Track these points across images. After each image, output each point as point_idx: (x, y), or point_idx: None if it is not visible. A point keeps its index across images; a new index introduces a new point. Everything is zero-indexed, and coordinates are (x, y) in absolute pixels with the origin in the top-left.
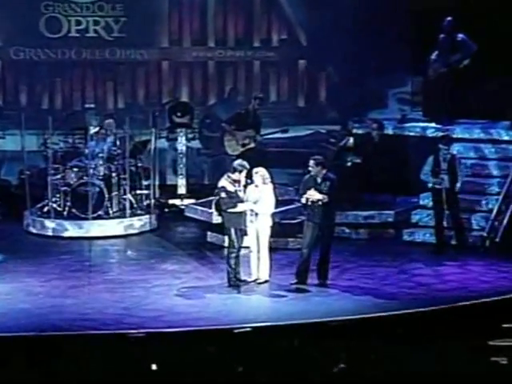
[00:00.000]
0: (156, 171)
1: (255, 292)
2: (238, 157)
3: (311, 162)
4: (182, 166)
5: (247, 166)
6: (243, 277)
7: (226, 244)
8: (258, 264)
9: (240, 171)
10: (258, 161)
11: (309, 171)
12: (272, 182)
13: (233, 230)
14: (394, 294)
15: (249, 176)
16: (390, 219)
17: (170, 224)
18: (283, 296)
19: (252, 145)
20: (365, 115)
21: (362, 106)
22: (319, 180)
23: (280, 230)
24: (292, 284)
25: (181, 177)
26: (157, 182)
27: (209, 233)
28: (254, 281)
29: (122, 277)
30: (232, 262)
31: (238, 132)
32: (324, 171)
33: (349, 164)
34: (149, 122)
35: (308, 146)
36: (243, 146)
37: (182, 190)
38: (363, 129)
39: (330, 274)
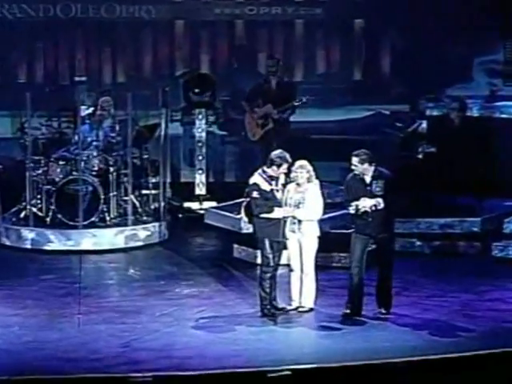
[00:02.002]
0: (167, 165)
1: (297, 324)
2: (261, 143)
3: (354, 160)
4: (200, 158)
5: (288, 159)
6: (281, 304)
7: (259, 261)
8: (301, 287)
9: (279, 165)
10: (291, 150)
11: (351, 170)
12: (318, 179)
13: (267, 243)
14: (480, 327)
15: (289, 171)
16: (475, 229)
17: (186, 234)
18: (333, 329)
19: (270, 125)
20: (442, 92)
21: (438, 79)
22: (368, 180)
23: (330, 243)
24: (344, 314)
25: (199, 172)
26: (168, 180)
27: (236, 246)
28: (296, 309)
29: (123, 303)
30: (266, 284)
31: (257, 109)
32: (372, 167)
33: (420, 156)
34: (157, 100)
35: (366, 132)
36: (262, 126)
37: (200, 190)
38: (439, 109)
39: (393, 300)
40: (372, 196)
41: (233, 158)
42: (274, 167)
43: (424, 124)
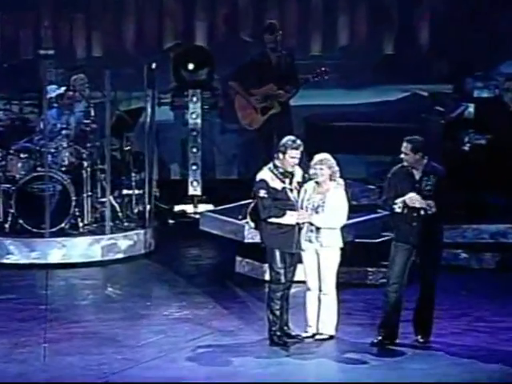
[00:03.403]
0: (154, 159)
1: (314, 355)
2: (262, 132)
3: (405, 146)
4: (195, 150)
5: (299, 145)
6: (294, 330)
7: (267, 277)
8: (319, 310)
9: (283, 151)
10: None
11: (400, 161)
12: (342, 177)
13: (278, 255)
14: None
15: (305, 167)
16: None
17: (177, 244)
18: (359, 361)
19: (276, 109)
20: (493, 68)
21: (488, 53)
22: (417, 175)
23: (355, 255)
24: (374, 343)
25: (194, 168)
26: (155, 177)
27: (238, 258)
28: (313, 336)
29: (100, 329)
30: (276, 306)
31: (254, 91)
32: (425, 161)
33: (466, 147)
34: (142, 79)
35: (400, 119)
36: (263, 112)
37: (195, 190)
38: (490, 91)
39: (434, 326)
40: (421, 195)
41: (235, 150)
42: (281, 155)
43: (471, 108)
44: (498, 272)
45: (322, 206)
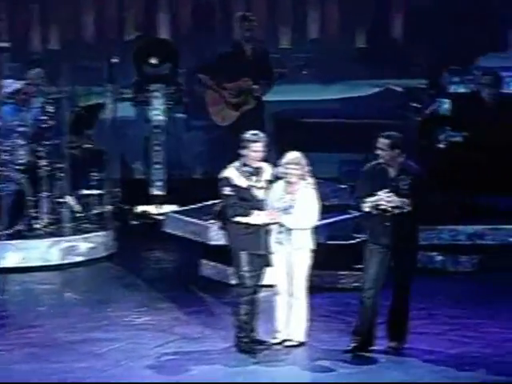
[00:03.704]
0: (115, 157)
1: (283, 362)
2: (234, 128)
3: (382, 142)
4: (158, 148)
5: (262, 138)
6: (263, 336)
7: (234, 281)
8: (289, 315)
9: (245, 147)
10: (277, 138)
11: (376, 157)
12: (313, 176)
13: (244, 257)
14: None
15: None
16: None
17: (139, 247)
18: (332, 369)
19: (250, 104)
20: (470, 63)
21: (465, 46)
22: (393, 173)
23: (326, 258)
24: (348, 349)
25: (157, 167)
26: (116, 176)
27: (204, 261)
28: (282, 343)
29: (58, 336)
30: (243, 311)
31: (227, 85)
32: (401, 158)
33: (442, 145)
34: (102, 73)
35: (373, 115)
36: (236, 107)
37: (158, 190)
38: (467, 85)
39: (408, 332)
40: (397, 195)
41: (201, 148)
42: (243, 150)
43: (447, 104)
44: (475, 275)
45: (292, 207)
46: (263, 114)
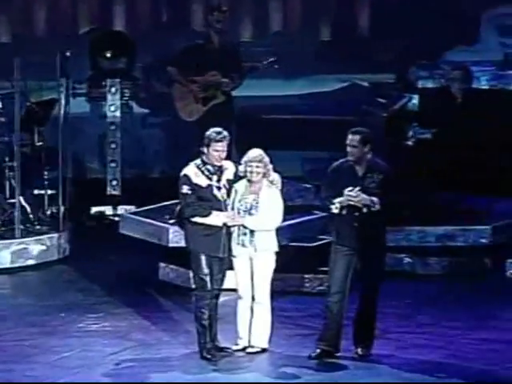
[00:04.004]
0: (68, 155)
1: (245, 369)
2: (201, 124)
3: (351, 138)
4: (114, 146)
5: (226, 136)
6: (224, 343)
7: (193, 285)
8: (252, 320)
9: (207, 144)
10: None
11: (339, 157)
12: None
13: (203, 259)
14: (486, 373)
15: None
16: (484, 240)
17: (94, 249)
18: (296, 377)
19: (219, 99)
20: (439, 56)
21: (433, 39)
22: (361, 171)
23: (290, 260)
24: (312, 356)
25: (113, 165)
26: (70, 175)
27: (162, 264)
28: (244, 349)
29: (8, 343)
30: (204, 315)
31: (196, 78)
32: (369, 155)
33: (410, 142)
34: (55, 67)
35: (338, 111)
36: (204, 103)
37: (114, 190)
38: (436, 81)
39: (375, 337)
40: (365, 193)
41: (159, 145)
42: (205, 149)
43: (415, 100)
44: (445, 278)
45: (255, 207)
46: (232, 109)
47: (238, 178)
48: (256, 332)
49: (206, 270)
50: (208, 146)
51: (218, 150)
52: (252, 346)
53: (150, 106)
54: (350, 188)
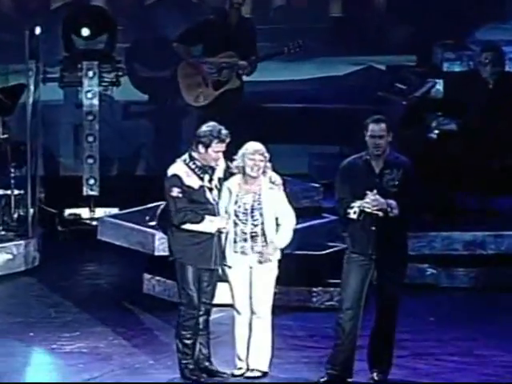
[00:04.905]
0: (39, 150)
1: None
2: (210, 111)
3: (377, 128)
4: (91, 139)
5: (225, 136)
6: (219, 366)
7: (179, 299)
8: (250, 339)
9: (207, 144)
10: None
11: (351, 152)
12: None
13: (190, 271)
14: None
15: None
16: None
17: (68, 258)
18: None
19: (234, 84)
20: (467, 36)
21: (460, 15)
22: (378, 167)
23: (294, 271)
24: (321, 382)
25: (90, 162)
26: (40, 173)
27: (147, 276)
28: (242, 375)
29: None
30: (187, 334)
31: (206, 59)
32: (387, 149)
33: (434, 135)
34: (23, 47)
35: (350, 99)
36: (215, 86)
37: (91, 190)
38: (463, 63)
39: (393, 361)
40: (383, 195)
41: (143, 138)
42: (201, 148)
43: (439, 85)
44: (474, 292)
45: (258, 209)
46: (242, 98)
47: (228, 175)
48: (255, 352)
49: (193, 284)
50: (208, 145)
51: (217, 151)
52: (251, 370)
53: (133, 93)
54: (374, 192)
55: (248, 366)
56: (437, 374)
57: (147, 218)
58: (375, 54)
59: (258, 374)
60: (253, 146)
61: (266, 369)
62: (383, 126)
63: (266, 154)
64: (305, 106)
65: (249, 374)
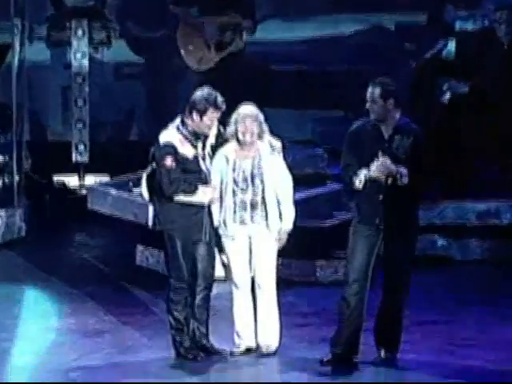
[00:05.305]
0: (25, 113)
1: (245, 375)
2: (211, 76)
3: (371, 92)
4: (81, 102)
5: (220, 103)
6: (220, 344)
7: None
8: (256, 318)
9: (203, 111)
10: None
11: (358, 116)
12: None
13: (180, 244)
14: None
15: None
16: None
17: (56, 229)
18: None
19: (238, 45)
20: None
21: None
22: (387, 132)
23: (297, 243)
24: (325, 361)
25: (79, 126)
26: (26, 138)
27: (140, 248)
28: (247, 352)
29: None
30: (178, 307)
31: (207, 19)
32: (396, 114)
33: (445, 99)
34: (7, 4)
35: (355, 60)
36: (219, 48)
37: (81, 156)
38: (477, 21)
39: (402, 337)
40: (391, 159)
41: (137, 102)
42: (195, 115)
43: (451, 46)
44: (487, 265)
45: (259, 176)
46: (243, 61)
47: (222, 141)
48: (263, 329)
49: (182, 257)
50: (203, 112)
51: (212, 119)
52: (260, 347)
53: (125, 53)
54: (382, 160)
55: (257, 344)
56: (448, 353)
57: (130, 183)
58: (382, 11)
59: (271, 350)
60: (243, 110)
61: (276, 344)
62: (377, 89)
63: (260, 117)
64: (306, 68)
65: (265, 350)
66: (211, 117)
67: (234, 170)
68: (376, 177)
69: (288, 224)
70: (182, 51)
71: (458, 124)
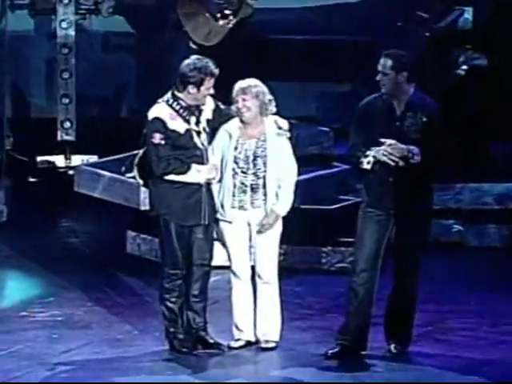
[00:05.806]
0: (6, 88)
1: (245, 371)
2: (218, 50)
3: (383, 64)
4: (67, 75)
5: (214, 70)
6: (217, 336)
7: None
8: (256, 310)
9: (199, 83)
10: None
11: (369, 92)
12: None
13: (174, 228)
14: None
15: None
16: None
17: (40, 213)
18: (309, 381)
19: (247, 11)
20: None
21: None
22: (399, 108)
23: (301, 228)
24: (331, 354)
25: (65, 102)
26: (8, 115)
27: (131, 233)
28: (248, 345)
29: None
30: (170, 297)
31: None
32: (411, 88)
33: (462, 71)
34: None
35: (364, 30)
36: (224, 16)
37: (67, 134)
38: None
39: (414, 330)
40: (404, 140)
41: (127, 75)
42: (191, 88)
43: (468, 14)
44: (506, 252)
45: (262, 157)
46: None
47: (226, 118)
48: (263, 321)
49: (177, 242)
50: (200, 84)
51: (209, 88)
52: (262, 341)
53: (115, 23)
54: (390, 142)
55: (257, 337)
56: (461, 346)
57: (123, 168)
58: None
59: (271, 344)
60: (240, 85)
61: (276, 338)
62: (389, 61)
63: (254, 90)
64: (310, 37)
65: (264, 345)
66: (208, 86)
67: (235, 148)
68: (385, 160)
69: (281, 209)
70: (187, 28)
71: (475, 99)
